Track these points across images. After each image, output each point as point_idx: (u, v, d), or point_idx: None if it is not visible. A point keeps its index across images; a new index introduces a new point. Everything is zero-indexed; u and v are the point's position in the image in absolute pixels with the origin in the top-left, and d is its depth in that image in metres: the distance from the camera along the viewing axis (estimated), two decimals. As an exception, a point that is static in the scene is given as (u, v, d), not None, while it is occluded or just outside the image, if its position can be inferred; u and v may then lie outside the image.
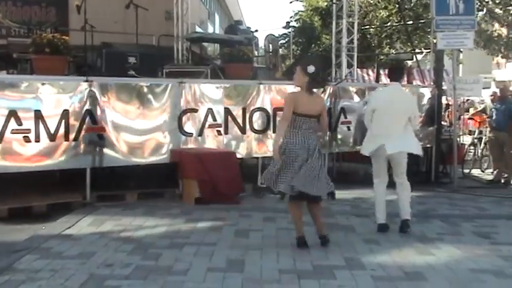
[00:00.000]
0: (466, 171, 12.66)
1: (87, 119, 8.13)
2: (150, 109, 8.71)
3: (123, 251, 5.89)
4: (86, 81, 8.18)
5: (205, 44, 14.83)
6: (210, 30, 21.45)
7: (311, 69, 6.09)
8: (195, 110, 9.09)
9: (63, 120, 7.92)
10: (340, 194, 9.67)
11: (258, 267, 5.41)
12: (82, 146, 8.10)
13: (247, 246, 6.15)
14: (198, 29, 15.92)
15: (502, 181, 11.58)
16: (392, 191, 7.24)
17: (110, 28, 12.15)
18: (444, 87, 12.43)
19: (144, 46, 12.20)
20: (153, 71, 10.88)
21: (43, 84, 7.84)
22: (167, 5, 13.97)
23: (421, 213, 8.39)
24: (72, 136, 8.00)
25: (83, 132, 8.08)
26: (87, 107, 8.12)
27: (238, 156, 9.35)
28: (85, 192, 8.18)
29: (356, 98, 10.79)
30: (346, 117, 10.53)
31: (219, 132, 9.29)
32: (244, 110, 9.48)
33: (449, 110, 13.16)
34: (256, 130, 9.60)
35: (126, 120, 8.50)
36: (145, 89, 8.69)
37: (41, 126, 7.74)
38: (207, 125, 9.18)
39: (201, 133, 9.15)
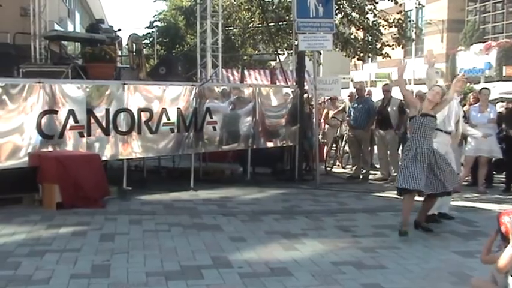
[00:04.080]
0: (328, 168, 13.19)
1: None
2: (6, 111, 8.21)
3: (-23, 262, 5.51)
4: None
5: (65, 42, 14.24)
6: (70, 28, 20.61)
7: None
8: (55, 112, 8.69)
9: None
10: (206, 193, 9.74)
11: (124, 271, 5.29)
12: None
13: (112, 250, 5.99)
14: (57, 27, 15.20)
15: (361, 177, 12.17)
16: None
17: (-41, 24, 11.33)
18: (306, 87, 12.86)
19: (-3, 44, 11.49)
20: (9, 71, 10.25)
21: None
22: (23, 1, 13.24)
23: (286, 210, 8.63)
24: None
25: None
26: None
27: (102, 158, 9.08)
28: None
29: (221, 99, 10.87)
30: (212, 118, 10.56)
31: (81, 134, 8.95)
32: (107, 111, 9.21)
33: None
34: (120, 131, 9.37)
35: (-21, 122, 7.96)
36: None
37: None
38: (68, 127, 8.81)
39: (62, 135, 8.77)
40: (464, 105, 12.32)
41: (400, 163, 7.26)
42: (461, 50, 31.25)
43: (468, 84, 26.21)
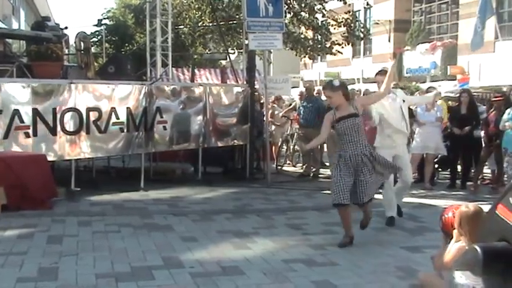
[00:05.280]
0: (279, 166, 13.26)
1: None
2: None
3: None
4: None
5: (9, 40, 13.92)
6: (15, 26, 20.19)
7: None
8: (-1, 111, 8.47)
9: None
10: (157, 193, 9.67)
11: (73, 274, 5.20)
12: None
13: (61, 253, 5.88)
14: (0, 25, 14.88)
15: (311, 175, 12.28)
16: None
17: None
18: (256, 86, 12.90)
19: None
20: (-51, 70, 9.96)
21: None
22: (-36, -2, 12.89)
23: (237, 209, 8.64)
24: None
25: None
26: None
27: (50, 159, 8.90)
28: None
29: (172, 98, 10.80)
30: (162, 117, 10.47)
31: (27, 134, 8.75)
32: (54, 111, 9.02)
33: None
34: (68, 131, 9.19)
35: None
36: None
37: None
38: (13, 127, 8.59)
39: (7, 136, 8.55)
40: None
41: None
42: (408, 49, 31.88)
43: (414, 83, 26.84)
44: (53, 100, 9.05)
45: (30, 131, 8.78)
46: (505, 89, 10.70)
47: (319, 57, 29.37)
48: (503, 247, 3.31)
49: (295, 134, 13.20)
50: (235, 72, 14.93)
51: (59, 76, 10.40)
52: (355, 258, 5.93)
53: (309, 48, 19.34)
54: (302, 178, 12.14)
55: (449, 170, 11.45)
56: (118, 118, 9.79)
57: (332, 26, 18.87)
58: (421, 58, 30.15)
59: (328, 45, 19.35)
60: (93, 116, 9.46)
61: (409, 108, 11.15)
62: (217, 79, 19.43)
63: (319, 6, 18.23)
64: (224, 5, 18.93)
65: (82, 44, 12.44)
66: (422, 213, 8.35)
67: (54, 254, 5.84)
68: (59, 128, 9.06)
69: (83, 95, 9.37)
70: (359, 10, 31.23)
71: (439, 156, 11.20)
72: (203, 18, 19.69)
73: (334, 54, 19.55)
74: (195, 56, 24.05)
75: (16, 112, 8.60)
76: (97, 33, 26.42)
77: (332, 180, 6.55)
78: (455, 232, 4.22)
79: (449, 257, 4.17)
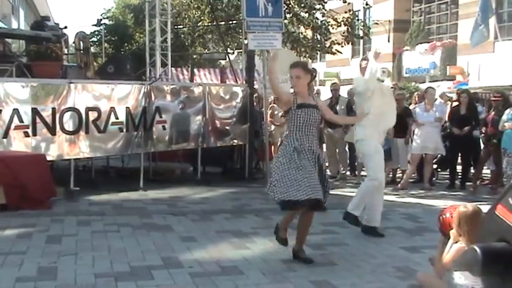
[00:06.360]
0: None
1: None
2: None
3: None
4: None
5: (9, 40, 13.93)
6: (15, 25, 20.18)
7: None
8: (-2, 111, 8.47)
9: None
10: (156, 193, 9.67)
11: (72, 273, 5.19)
12: None
13: (60, 252, 5.87)
14: (0, 24, 14.88)
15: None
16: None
17: None
18: (256, 86, 12.91)
19: None
20: (-51, 69, 9.97)
21: None
22: (-36, -3, 12.90)
23: (236, 209, 8.64)
24: None
25: None
26: None
27: (49, 158, 8.89)
28: None
29: (171, 98, 10.80)
30: (161, 117, 10.47)
31: (26, 134, 8.74)
32: (54, 110, 9.02)
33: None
34: (67, 131, 9.19)
35: None
36: None
37: None
38: (12, 127, 8.59)
39: (6, 135, 8.55)
40: (410, 104, 12.61)
41: (273, 170, 5.89)
42: (407, 50, 31.89)
43: (413, 83, 26.87)
44: (52, 100, 9.05)
45: (30, 131, 8.77)
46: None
47: (318, 57, 29.39)
48: (503, 247, 3.31)
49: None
50: (235, 72, 14.94)
51: (58, 76, 10.41)
52: (354, 258, 5.93)
53: (308, 48, 19.36)
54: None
55: (448, 170, 11.45)
56: (117, 118, 9.78)
57: (331, 26, 18.88)
58: (421, 58, 30.20)
59: (328, 45, 19.38)
60: (92, 115, 9.46)
61: (408, 108, 11.23)
62: (217, 79, 19.44)
63: (318, 6, 18.25)
64: (223, 5, 18.96)
65: (81, 43, 12.45)
66: (421, 214, 8.36)
67: (53, 253, 5.83)
68: (58, 127, 9.06)
69: (82, 95, 9.37)
70: (358, 10, 31.21)
71: (438, 156, 11.21)
72: (202, 18, 19.70)
73: (334, 54, 19.56)
74: (195, 56, 24.09)
75: (15, 111, 8.60)
76: (96, 33, 26.44)
77: (282, 176, 5.86)
78: (452, 232, 4.22)
79: (449, 257, 4.18)
